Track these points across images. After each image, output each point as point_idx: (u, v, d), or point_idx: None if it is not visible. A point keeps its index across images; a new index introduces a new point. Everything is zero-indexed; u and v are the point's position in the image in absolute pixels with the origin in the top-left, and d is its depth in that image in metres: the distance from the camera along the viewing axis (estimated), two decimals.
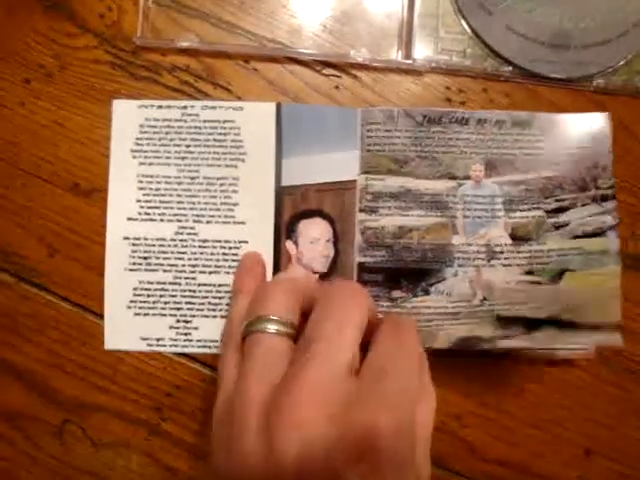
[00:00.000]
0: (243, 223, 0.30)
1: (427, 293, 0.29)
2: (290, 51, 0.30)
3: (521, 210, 0.29)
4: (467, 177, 0.29)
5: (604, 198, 0.29)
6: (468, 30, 0.30)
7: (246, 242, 0.30)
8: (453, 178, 0.29)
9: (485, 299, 0.29)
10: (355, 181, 0.30)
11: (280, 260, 0.30)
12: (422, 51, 0.30)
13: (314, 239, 0.30)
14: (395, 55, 0.30)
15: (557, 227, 0.29)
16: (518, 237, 0.29)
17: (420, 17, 0.30)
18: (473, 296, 0.29)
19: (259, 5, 0.30)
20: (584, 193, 0.29)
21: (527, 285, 0.29)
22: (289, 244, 0.30)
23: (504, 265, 0.29)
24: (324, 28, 0.30)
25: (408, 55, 0.30)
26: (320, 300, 0.23)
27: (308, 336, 0.22)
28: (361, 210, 0.29)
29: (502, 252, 0.29)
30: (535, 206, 0.29)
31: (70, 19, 0.30)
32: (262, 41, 0.30)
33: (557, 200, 0.29)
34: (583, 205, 0.29)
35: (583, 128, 0.29)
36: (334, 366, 0.20)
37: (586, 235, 0.29)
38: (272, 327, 0.23)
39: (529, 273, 0.29)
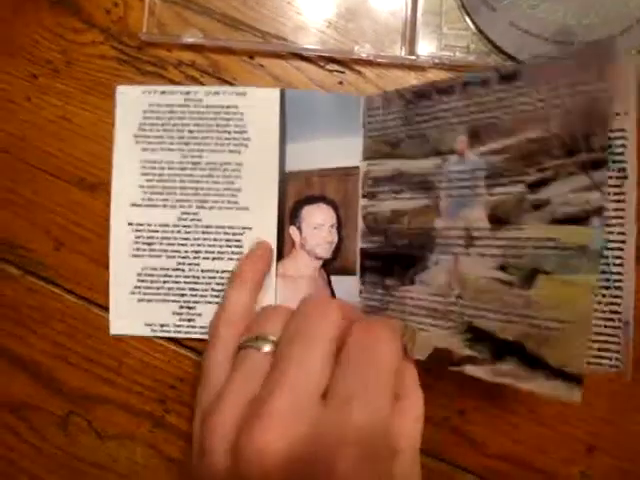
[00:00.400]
0: (247, 209, 0.30)
1: (412, 282, 0.27)
2: (295, 47, 0.30)
3: (501, 185, 0.24)
4: (453, 152, 0.26)
5: (595, 165, 0.21)
6: (472, 26, 0.30)
7: (250, 228, 0.30)
8: (439, 154, 0.26)
9: (460, 297, 0.25)
10: (358, 167, 0.30)
11: (284, 246, 0.30)
12: (426, 47, 0.30)
13: (318, 225, 0.30)
14: (399, 51, 0.31)
15: (536, 207, 0.23)
16: (497, 219, 0.24)
17: (424, 13, 0.30)
18: (450, 290, 0.26)
19: (264, 1, 0.31)
20: (571, 158, 0.22)
21: (498, 285, 0.24)
22: (293, 230, 0.30)
23: (480, 254, 0.25)
24: (329, 24, 0.31)
25: (412, 51, 0.30)
26: (291, 317, 0.24)
27: (278, 356, 0.22)
28: (363, 196, 0.29)
29: (480, 238, 0.25)
30: (516, 179, 0.23)
31: (76, 15, 0.31)
32: (267, 37, 0.31)
33: (540, 170, 0.23)
34: (569, 175, 0.22)
35: (582, 65, 0.22)
36: (301, 391, 0.21)
37: (567, 220, 0.22)
38: (261, 345, 0.23)
39: (502, 268, 0.24)
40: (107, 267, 0.30)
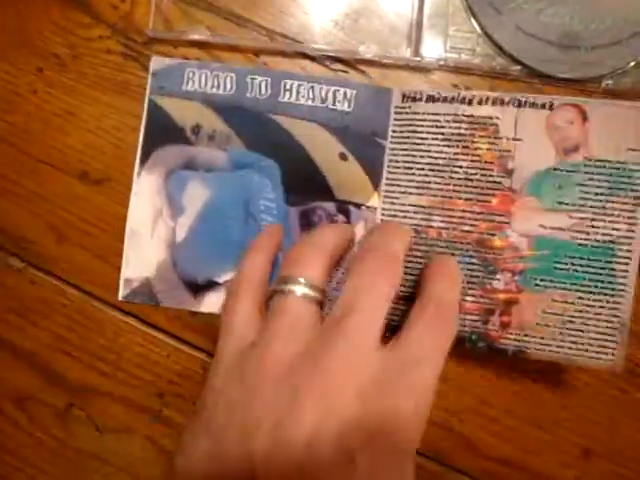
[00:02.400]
0: None
1: None
2: (300, 46, 0.30)
3: None
4: None
5: None
6: (478, 29, 0.30)
7: None
8: None
9: None
10: None
11: None
12: (431, 49, 0.30)
13: None
14: (404, 52, 0.31)
15: None
16: None
17: (430, 15, 0.30)
18: None
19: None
20: None
21: None
22: None
23: None
24: (335, 24, 0.31)
25: (417, 52, 0.30)
26: (354, 265, 0.22)
27: (341, 305, 0.21)
28: None
29: None
30: None
31: (84, 10, 0.31)
32: (272, 35, 0.31)
33: None
34: None
35: None
36: (365, 341, 0.20)
37: None
38: (301, 290, 0.22)
39: None
40: (109, 262, 0.31)
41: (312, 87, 0.30)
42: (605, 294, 0.28)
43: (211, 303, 0.31)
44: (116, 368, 0.31)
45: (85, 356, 0.31)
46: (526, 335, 0.28)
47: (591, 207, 0.28)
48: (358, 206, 0.31)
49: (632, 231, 0.27)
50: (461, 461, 0.31)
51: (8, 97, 0.31)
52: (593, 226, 0.28)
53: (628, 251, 0.27)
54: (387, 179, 0.30)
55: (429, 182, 0.29)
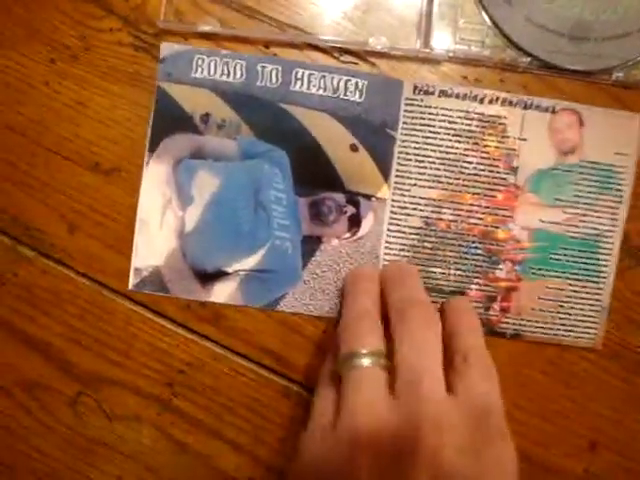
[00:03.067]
0: None
1: None
2: (310, 37, 0.31)
3: None
4: None
5: None
6: (487, 20, 0.30)
7: None
8: None
9: None
10: None
11: None
12: (441, 40, 0.30)
13: None
14: (413, 44, 0.31)
15: None
16: None
17: (440, 6, 0.30)
18: None
19: None
20: None
21: None
22: None
23: None
24: (344, 15, 0.31)
25: (426, 44, 0.30)
26: (399, 324, 0.24)
27: (406, 369, 0.23)
28: None
29: None
30: None
31: (96, 2, 0.31)
32: (282, 27, 0.31)
33: None
34: None
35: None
36: (440, 397, 0.22)
37: None
38: (367, 361, 0.23)
39: None
40: (120, 252, 0.31)
41: (323, 77, 0.31)
42: (590, 281, 0.31)
43: (220, 293, 0.31)
44: (126, 357, 0.31)
45: (96, 345, 0.31)
46: (522, 319, 0.31)
47: (583, 204, 0.31)
48: (368, 197, 0.31)
49: (614, 226, 0.31)
50: None
51: (20, 88, 0.31)
52: (583, 221, 0.31)
53: (610, 243, 0.31)
54: (397, 171, 0.30)
55: (440, 176, 0.31)
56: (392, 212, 0.31)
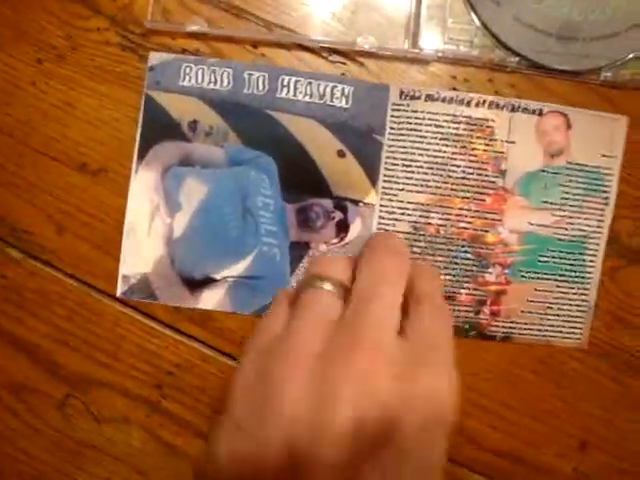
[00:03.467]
0: None
1: None
2: (298, 37, 0.30)
3: None
4: None
5: None
6: (476, 20, 0.30)
7: None
8: None
9: None
10: None
11: None
12: (429, 40, 0.30)
13: None
14: (402, 44, 0.31)
15: None
16: None
17: (428, 7, 0.30)
18: None
19: None
20: None
21: None
22: None
23: None
24: (332, 16, 0.31)
25: (415, 44, 0.30)
26: (364, 255, 0.23)
27: (357, 294, 0.22)
28: None
29: None
30: None
31: (82, 1, 0.31)
32: (271, 27, 0.31)
33: None
34: None
35: None
36: (388, 328, 0.20)
37: None
38: (329, 286, 0.22)
39: None
40: (108, 253, 0.31)
41: (310, 83, 0.30)
42: (577, 282, 0.31)
43: (208, 300, 0.31)
44: (115, 359, 0.31)
45: (84, 347, 0.31)
46: (512, 322, 0.31)
47: (570, 206, 0.31)
48: (356, 203, 0.31)
49: (600, 227, 0.31)
50: (459, 453, 0.31)
51: (7, 89, 0.31)
52: (571, 223, 0.31)
53: (597, 244, 0.31)
54: (385, 176, 0.30)
55: (428, 180, 0.30)
56: (380, 217, 0.31)
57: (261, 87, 0.31)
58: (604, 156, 0.31)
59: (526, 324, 0.31)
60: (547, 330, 0.31)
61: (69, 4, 0.31)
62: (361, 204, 0.31)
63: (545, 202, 0.31)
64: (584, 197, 0.31)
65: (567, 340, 0.31)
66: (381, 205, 0.31)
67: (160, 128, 0.31)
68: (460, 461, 0.31)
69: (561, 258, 0.31)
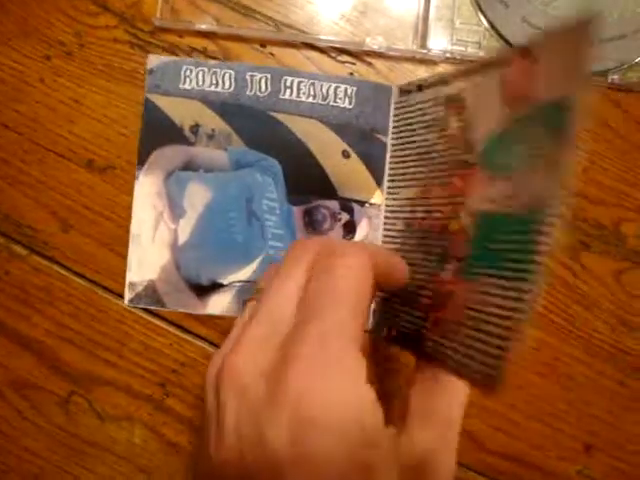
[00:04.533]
0: None
1: None
2: (307, 37, 0.30)
3: None
4: None
5: None
6: (484, 22, 0.30)
7: None
8: None
9: None
10: None
11: None
12: (437, 41, 0.30)
13: None
14: (410, 44, 0.31)
15: None
16: None
17: (436, 8, 0.30)
18: None
19: None
20: None
21: None
22: None
23: None
24: (341, 16, 0.31)
25: (423, 45, 0.30)
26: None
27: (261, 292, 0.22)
28: None
29: None
30: None
31: None
32: (279, 26, 0.31)
33: None
34: None
35: None
36: (271, 320, 0.20)
37: None
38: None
39: None
40: (113, 250, 0.31)
41: (313, 84, 0.30)
42: (518, 279, 0.20)
43: (216, 305, 0.31)
44: (119, 357, 0.31)
45: (88, 344, 0.31)
46: (443, 337, 0.22)
47: (527, 165, 0.20)
48: (361, 203, 0.31)
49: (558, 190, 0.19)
50: (464, 455, 0.31)
51: (15, 85, 0.31)
52: (524, 188, 0.20)
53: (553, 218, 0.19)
54: (389, 175, 0.30)
55: (416, 173, 0.27)
56: (386, 217, 0.30)
57: (264, 88, 0.30)
58: (577, 80, 0.18)
59: (452, 344, 0.22)
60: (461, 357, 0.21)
61: (78, 1, 0.31)
62: (367, 204, 0.31)
63: (505, 168, 0.22)
64: (540, 152, 0.20)
65: (492, 363, 0.20)
66: (387, 205, 0.30)
67: (161, 132, 0.30)
68: (465, 463, 0.31)
69: (506, 242, 0.20)
